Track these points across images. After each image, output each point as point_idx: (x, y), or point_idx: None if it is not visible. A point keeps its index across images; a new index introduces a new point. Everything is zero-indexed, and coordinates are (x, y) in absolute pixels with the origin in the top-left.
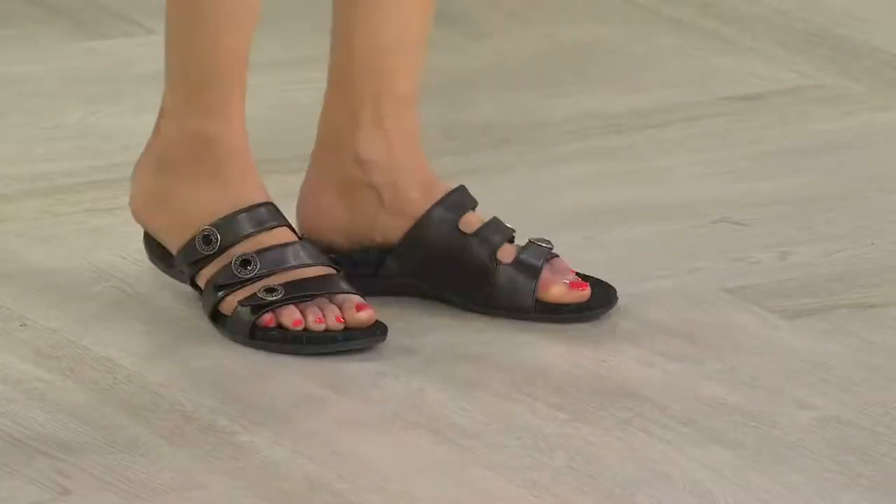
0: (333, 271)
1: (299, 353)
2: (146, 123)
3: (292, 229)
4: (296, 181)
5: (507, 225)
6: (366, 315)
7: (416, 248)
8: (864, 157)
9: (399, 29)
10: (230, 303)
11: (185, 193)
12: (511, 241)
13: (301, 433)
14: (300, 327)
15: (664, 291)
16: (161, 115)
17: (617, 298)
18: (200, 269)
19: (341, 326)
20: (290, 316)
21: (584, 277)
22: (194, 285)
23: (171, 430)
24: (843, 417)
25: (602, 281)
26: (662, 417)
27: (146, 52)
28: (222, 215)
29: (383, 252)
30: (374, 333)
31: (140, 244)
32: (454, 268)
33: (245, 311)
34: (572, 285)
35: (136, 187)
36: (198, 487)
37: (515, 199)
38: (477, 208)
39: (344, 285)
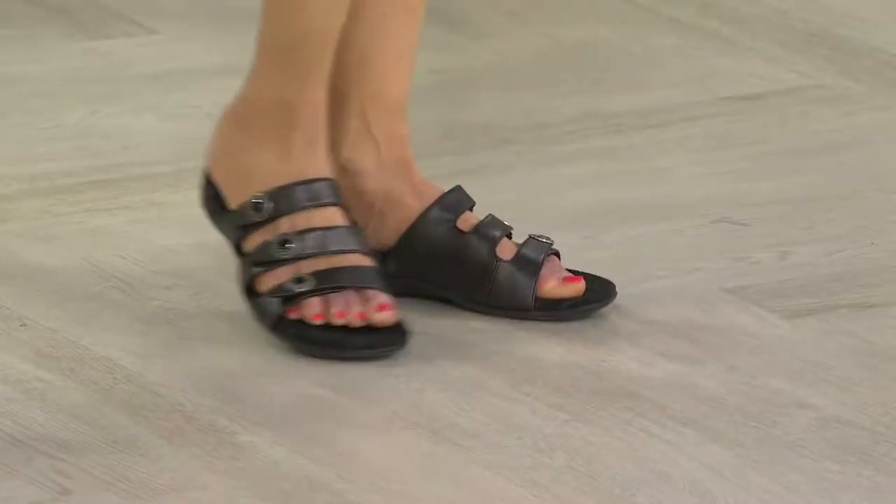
0: (370, 262)
1: (315, 355)
2: (146, 123)
3: (345, 209)
4: None
5: (505, 222)
6: (385, 316)
7: (413, 249)
8: (864, 157)
9: (386, 32)
10: (264, 281)
11: (254, 155)
12: (509, 236)
13: (301, 433)
14: (320, 321)
15: (664, 291)
16: (249, 75)
17: (615, 293)
18: (248, 235)
19: (362, 323)
20: (312, 309)
21: (581, 274)
22: (238, 249)
23: (171, 430)
24: (843, 417)
25: (600, 277)
26: (662, 417)
27: (146, 52)
28: (279, 185)
29: (383, 254)
30: (393, 342)
31: (140, 244)
32: (454, 267)
33: (274, 302)
34: (566, 279)
35: (215, 137)
36: (198, 487)
37: (515, 199)
38: (474, 208)
39: (376, 280)
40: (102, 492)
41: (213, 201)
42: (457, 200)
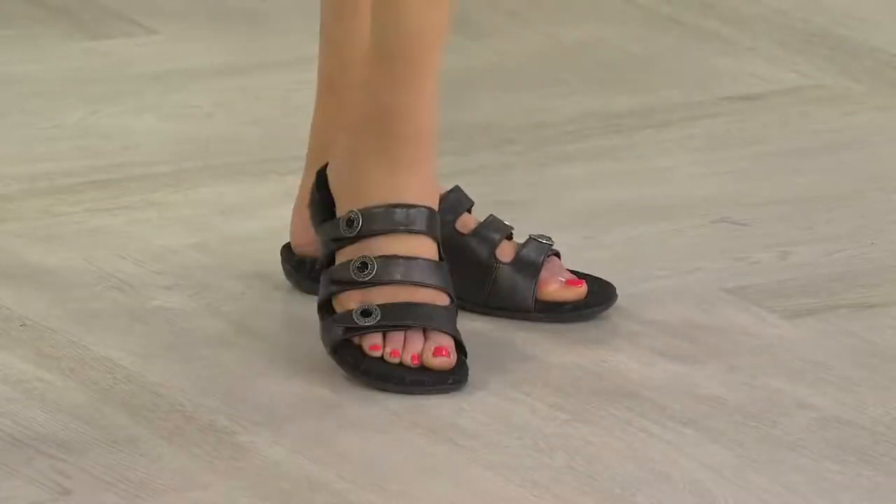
0: (445, 300)
1: (367, 385)
2: (146, 123)
3: (439, 243)
4: (294, 182)
5: (505, 223)
6: (440, 362)
7: None
8: (864, 157)
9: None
10: (338, 301)
11: (362, 169)
12: (510, 237)
13: (301, 433)
14: (377, 353)
15: (664, 291)
16: (360, 83)
17: (616, 296)
18: (339, 249)
19: (415, 366)
20: (370, 341)
21: (582, 275)
22: (329, 261)
23: (171, 430)
24: (842, 417)
25: (600, 279)
26: (662, 417)
27: (146, 52)
28: (375, 204)
29: None
30: (445, 382)
31: (140, 244)
32: (453, 268)
33: (338, 330)
34: (568, 283)
35: (338, 144)
36: (198, 487)
37: (515, 199)
38: (473, 209)
39: (443, 321)
40: (102, 492)
41: (321, 206)
42: (456, 201)
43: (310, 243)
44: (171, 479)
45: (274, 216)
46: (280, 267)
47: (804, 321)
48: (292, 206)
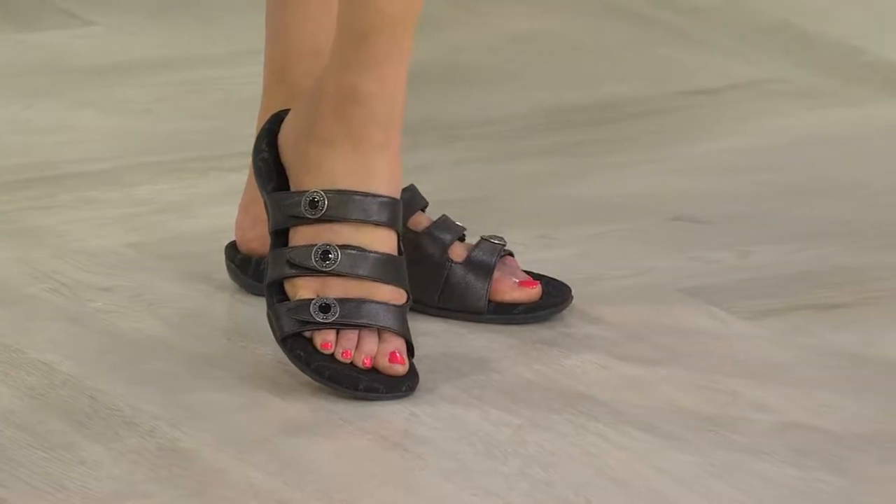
0: (402, 299)
1: (316, 384)
2: (83, 119)
3: (399, 236)
4: (237, 179)
5: (458, 223)
6: (396, 369)
7: None
8: (823, 153)
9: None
10: (293, 285)
11: (327, 148)
12: (462, 239)
13: (246, 439)
14: (328, 351)
15: (619, 292)
16: (327, 60)
17: (571, 297)
18: (296, 227)
19: (366, 368)
20: (322, 338)
21: (537, 276)
22: (277, 235)
23: (110, 437)
24: (803, 421)
25: (555, 279)
26: (619, 422)
27: (83, 45)
28: (342, 188)
29: None
30: (399, 389)
31: (77, 243)
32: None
33: (292, 322)
34: (522, 284)
35: (291, 116)
36: (139, 496)
37: (466, 197)
38: (427, 209)
39: (397, 322)
40: (39, 501)
41: (272, 167)
42: (409, 200)
43: (256, 239)
44: (111, 487)
45: (216, 215)
46: (224, 267)
47: (763, 322)
48: (237, 204)
